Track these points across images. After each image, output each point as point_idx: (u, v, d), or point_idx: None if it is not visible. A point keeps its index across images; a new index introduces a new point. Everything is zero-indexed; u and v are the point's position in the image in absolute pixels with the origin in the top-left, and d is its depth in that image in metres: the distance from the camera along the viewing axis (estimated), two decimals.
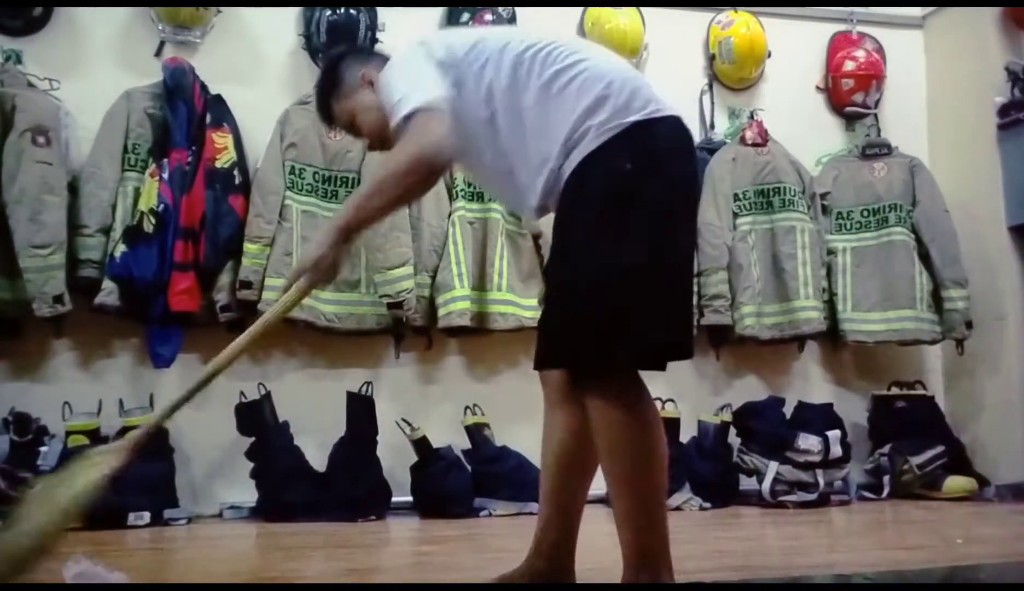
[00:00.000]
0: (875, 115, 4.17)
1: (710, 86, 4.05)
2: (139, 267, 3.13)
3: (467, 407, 3.50)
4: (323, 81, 2.02)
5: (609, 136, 1.64)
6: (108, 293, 3.14)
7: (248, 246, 3.28)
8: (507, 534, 2.89)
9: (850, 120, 4.20)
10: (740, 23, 3.96)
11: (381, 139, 1.86)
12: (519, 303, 3.51)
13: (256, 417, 3.22)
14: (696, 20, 4.07)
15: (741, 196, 3.84)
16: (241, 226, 3.30)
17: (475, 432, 3.44)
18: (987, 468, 3.75)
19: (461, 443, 3.42)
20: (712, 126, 4.03)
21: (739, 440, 3.64)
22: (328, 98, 1.99)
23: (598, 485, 3.75)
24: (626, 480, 1.68)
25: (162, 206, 3.18)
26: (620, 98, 1.67)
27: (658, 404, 3.49)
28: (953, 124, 4.16)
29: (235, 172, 3.34)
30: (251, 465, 3.20)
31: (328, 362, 3.54)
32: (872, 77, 4.13)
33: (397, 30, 3.70)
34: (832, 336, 3.89)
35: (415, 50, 1.77)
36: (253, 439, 3.21)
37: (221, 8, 3.54)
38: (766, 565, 2.25)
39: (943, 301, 3.86)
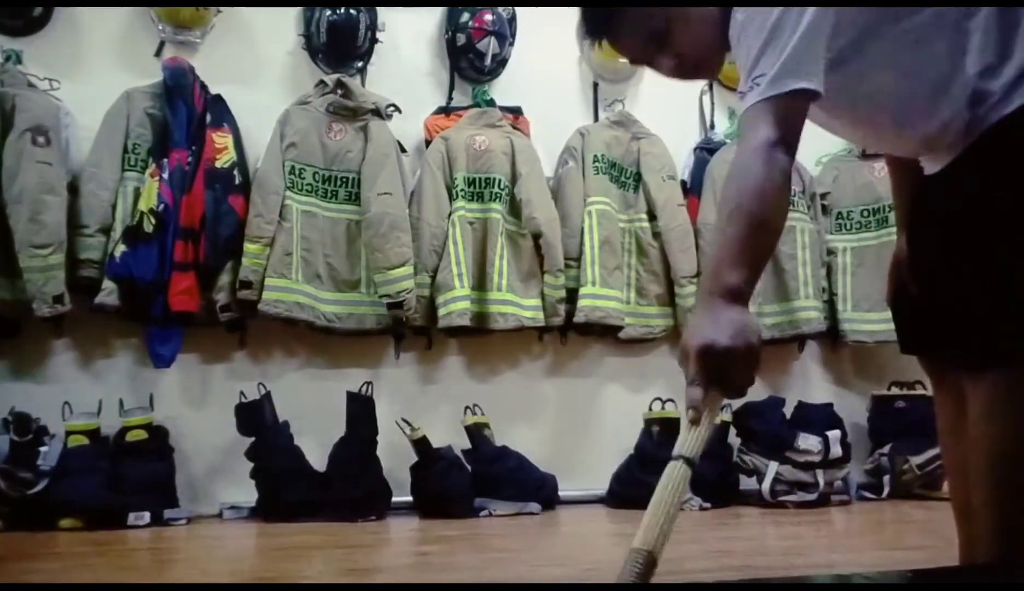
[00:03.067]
0: None
1: (710, 86, 4.05)
2: (139, 267, 3.13)
3: (467, 407, 3.50)
4: None
5: None
6: (108, 293, 3.14)
7: (248, 246, 3.28)
8: (507, 534, 2.89)
9: None
10: None
11: (696, 64, 1.52)
12: (519, 303, 3.51)
13: (256, 417, 3.22)
14: None
15: None
16: (241, 226, 3.30)
17: (475, 432, 3.44)
18: None
19: (461, 443, 3.42)
20: (712, 126, 4.03)
21: (739, 440, 3.64)
22: None
23: (598, 484, 3.76)
24: None
25: (162, 206, 3.18)
26: None
27: (657, 404, 3.55)
28: None
29: (235, 172, 3.34)
30: (251, 465, 3.20)
31: (328, 362, 3.54)
32: None
33: (397, 30, 3.71)
34: (832, 336, 3.89)
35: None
36: (253, 439, 3.20)
37: (221, 8, 3.53)
38: (766, 565, 2.25)
39: None
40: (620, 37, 1.52)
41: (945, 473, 1.72)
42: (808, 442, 3.50)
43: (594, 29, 1.54)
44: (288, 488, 3.16)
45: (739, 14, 1.38)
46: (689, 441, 1.28)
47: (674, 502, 1.28)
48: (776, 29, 1.33)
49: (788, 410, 3.67)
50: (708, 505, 3.41)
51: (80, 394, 3.19)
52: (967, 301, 1.43)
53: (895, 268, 1.68)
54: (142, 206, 3.19)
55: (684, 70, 1.53)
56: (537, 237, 3.56)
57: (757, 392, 3.84)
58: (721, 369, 1.25)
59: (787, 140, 1.34)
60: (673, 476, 1.28)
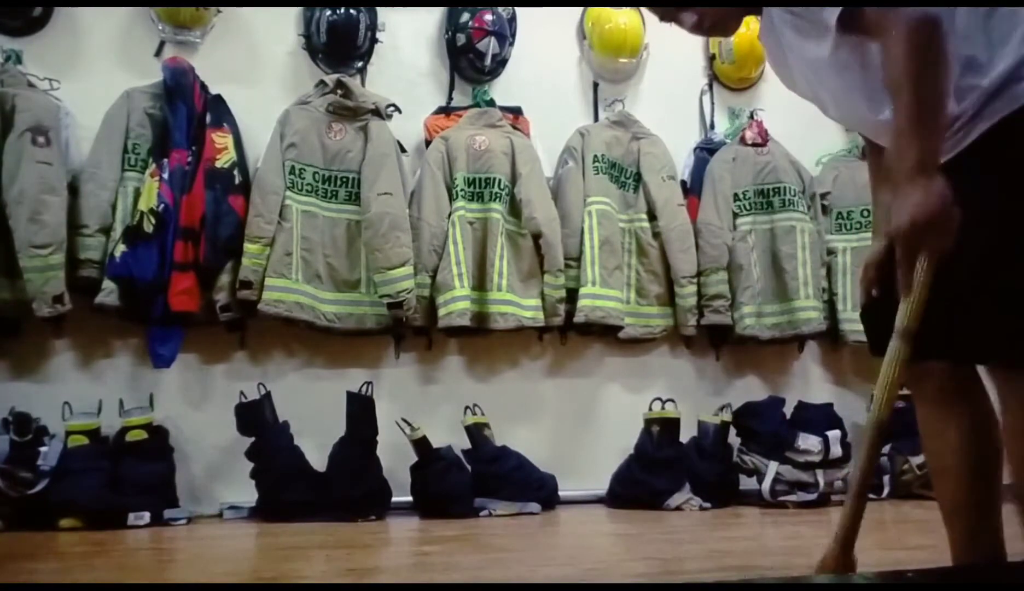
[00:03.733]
0: None
1: (710, 86, 4.05)
2: (139, 267, 3.13)
3: (467, 407, 3.50)
4: None
5: None
6: (108, 293, 3.14)
7: (248, 246, 3.28)
8: (507, 534, 2.89)
9: None
10: None
11: (714, 22, 1.66)
12: (519, 303, 3.51)
13: (256, 417, 3.22)
14: None
15: (741, 196, 3.84)
16: (241, 226, 3.30)
17: (475, 432, 3.44)
18: None
19: (461, 443, 3.42)
20: (712, 126, 4.03)
21: (739, 440, 3.64)
22: None
23: (598, 484, 3.76)
24: None
25: (162, 206, 3.18)
26: None
27: (657, 404, 3.55)
28: None
29: (235, 172, 3.34)
30: (251, 465, 3.20)
31: (328, 362, 3.54)
32: None
33: (397, 30, 3.71)
34: (832, 336, 3.89)
35: None
36: (253, 439, 3.20)
37: (221, 8, 3.53)
38: (766, 565, 2.25)
39: None
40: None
41: (931, 477, 1.72)
42: (808, 442, 3.50)
43: None
44: (288, 488, 3.16)
45: None
46: (901, 315, 1.48)
47: (891, 374, 1.53)
48: None
49: (788, 410, 3.67)
50: (708, 505, 3.41)
51: (80, 394, 3.19)
52: (1005, 301, 1.45)
53: (873, 271, 1.66)
54: (142, 206, 3.19)
55: (703, 27, 1.67)
56: (537, 237, 3.56)
57: (757, 392, 3.85)
58: (914, 243, 1.42)
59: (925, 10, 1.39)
60: (889, 354, 1.51)
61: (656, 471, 3.46)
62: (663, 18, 1.69)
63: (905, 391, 4.13)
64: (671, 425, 3.54)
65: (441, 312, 3.43)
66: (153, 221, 3.16)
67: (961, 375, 1.60)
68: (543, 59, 3.89)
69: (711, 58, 4.03)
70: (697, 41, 4.04)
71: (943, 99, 1.42)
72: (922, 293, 1.45)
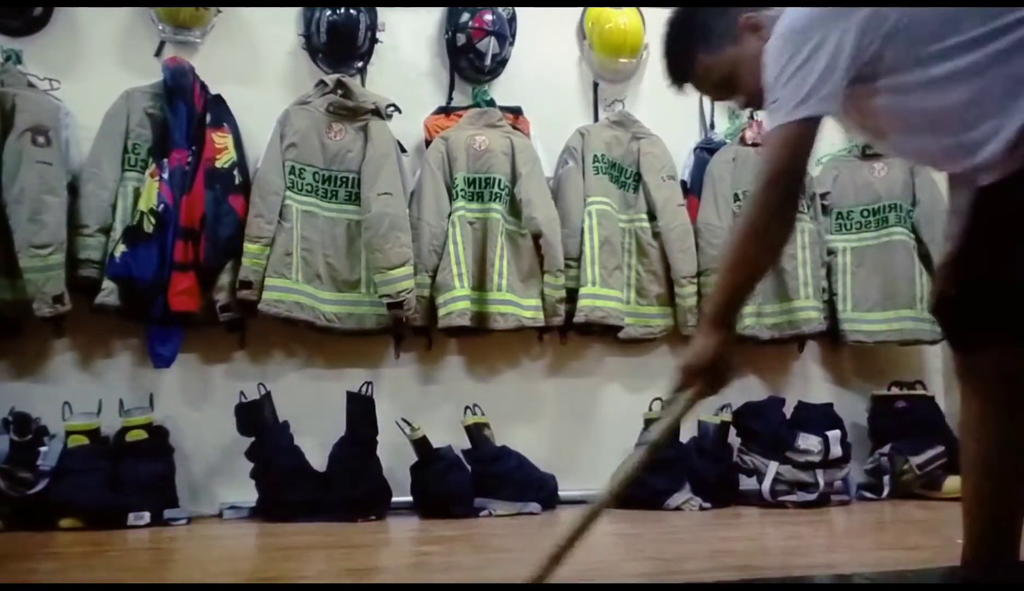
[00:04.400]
0: None
1: None
2: (139, 267, 3.13)
3: (467, 407, 3.50)
4: (681, 31, 1.77)
5: None
6: (108, 293, 3.14)
7: (248, 246, 3.28)
8: (507, 534, 2.89)
9: None
10: None
11: (764, 98, 1.70)
12: (519, 303, 3.51)
13: (256, 417, 3.22)
14: None
15: (741, 196, 3.84)
16: (241, 226, 3.30)
17: (475, 432, 3.44)
18: None
19: (461, 443, 3.42)
20: (712, 126, 4.03)
21: (739, 440, 3.64)
22: (692, 51, 1.74)
23: (598, 484, 3.74)
24: None
25: (162, 206, 3.18)
26: None
27: (657, 404, 3.54)
28: None
29: (235, 172, 3.34)
30: (251, 465, 3.20)
31: (328, 362, 3.54)
32: None
33: (397, 30, 3.71)
34: (832, 336, 3.89)
35: (814, 30, 1.53)
36: (253, 439, 3.21)
37: (221, 8, 3.53)
38: (766, 565, 2.25)
39: None
40: (696, 85, 1.81)
41: (962, 469, 1.72)
42: (808, 442, 3.50)
43: (675, 79, 1.82)
44: (288, 488, 3.16)
45: (771, 41, 1.61)
46: (656, 429, 1.73)
47: (619, 477, 1.68)
48: (789, 63, 1.56)
49: (788, 410, 3.68)
50: (708, 505, 3.41)
51: (80, 394, 3.19)
52: None
53: (948, 270, 1.69)
54: (142, 206, 3.19)
55: (755, 104, 1.75)
56: (537, 237, 3.56)
57: (757, 392, 3.85)
58: (686, 380, 1.69)
59: (797, 167, 1.59)
60: (629, 458, 1.70)
61: (656, 471, 3.45)
62: (715, 99, 1.85)
63: (907, 391, 4.14)
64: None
65: (441, 312, 3.43)
66: (153, 221, 3.16)
67: (1011, 370, 1.61)
68: (543, 59, 3.89)
69: None
70: None
71: (761, 275, 1.71)
72: (680, 415, 1.71)
